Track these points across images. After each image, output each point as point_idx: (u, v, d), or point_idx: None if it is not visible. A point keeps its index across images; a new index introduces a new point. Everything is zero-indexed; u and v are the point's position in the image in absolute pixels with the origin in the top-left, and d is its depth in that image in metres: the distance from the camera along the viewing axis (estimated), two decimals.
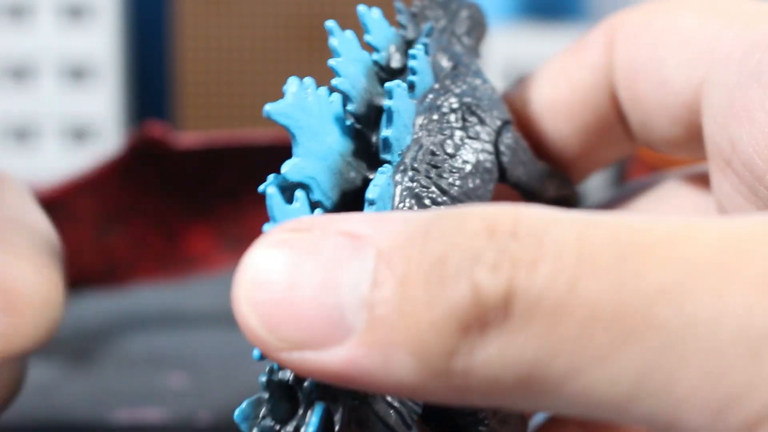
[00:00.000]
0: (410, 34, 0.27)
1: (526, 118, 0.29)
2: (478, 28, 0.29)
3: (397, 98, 0.24)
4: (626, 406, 0.18)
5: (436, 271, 0.18)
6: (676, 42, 0.27)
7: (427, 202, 0.24)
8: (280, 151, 0.56)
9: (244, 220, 0.50)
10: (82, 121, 0.77)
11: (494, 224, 0.18)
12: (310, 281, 0.19)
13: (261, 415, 0.22)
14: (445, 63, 0.27)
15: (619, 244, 0.18)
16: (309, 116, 0.23)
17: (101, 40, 0.76)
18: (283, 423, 0.22)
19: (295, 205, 0.22)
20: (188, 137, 0.56)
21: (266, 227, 0.21)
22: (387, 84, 0.23)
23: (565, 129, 0.29)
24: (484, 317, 0.18)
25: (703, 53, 0.26)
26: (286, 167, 0.22)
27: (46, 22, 0.76)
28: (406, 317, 0.18)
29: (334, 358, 0.19)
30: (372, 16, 0.26)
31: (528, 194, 0.27)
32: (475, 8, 0.29)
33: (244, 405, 0.21)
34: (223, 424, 0.36)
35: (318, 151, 0.23)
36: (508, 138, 0.26)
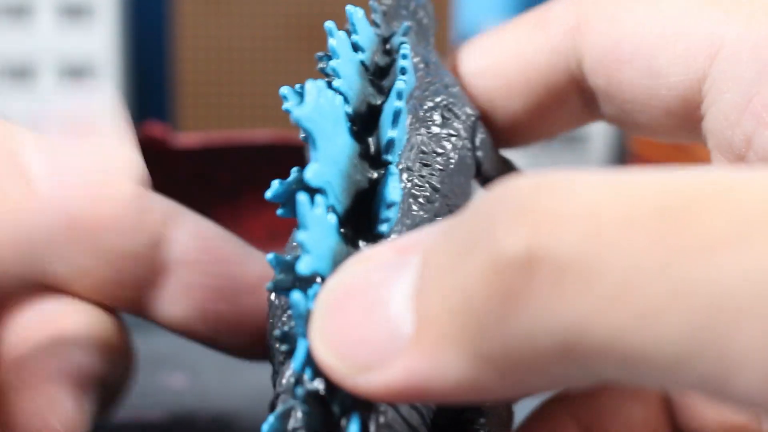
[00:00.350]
0: (384, 32, 0.27)
1: (472, 87, 0.29)
2: (432, 27, 0.30)
3: (405, 100, 0.24)
4: (676, 368, 0.16)
5: (462, 247, 0.18)
6: (668, 33, 0.26)
7: (421, 200, 0.24)
8: (279, 150, 0.56)
9: (244, 220, 0.50)
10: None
11: (526, 198, 0.17)
12: (364, 301, 0.19)
13: (292, 427, 0.21)
14: (418, 62, 0.27)
15: (660, 198, 0.17)
16: (325, 120, 0.23)
17: (101, 40, 0.76)
18: None
19: (317, 210, 0.22)
20: (188, 137, 0.56)
21: (299, 236, 0.21)
22: (398, 84, 0.23)
23: (515, 105, 0.29)
24: (509, 282, 0.17)
25: (701, 47, 0.26)
26: (310, 173, 0.22)
27: (46, 22, 0.76)
28: (444, 305, 0.18)
29: (394, 372, 0.19)
30: (359, 16, 0.26)
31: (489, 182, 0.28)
32: (429, 7, 0.30)
33: (271, 419, 0.21)
34: (222, 424, 0.36)
35: (333, 154, 0.23)
36: (481, 133, 0.27)
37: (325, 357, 0.19)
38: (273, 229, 0.49)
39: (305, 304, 0.20)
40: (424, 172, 0.24)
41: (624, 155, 0.67)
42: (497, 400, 0.19)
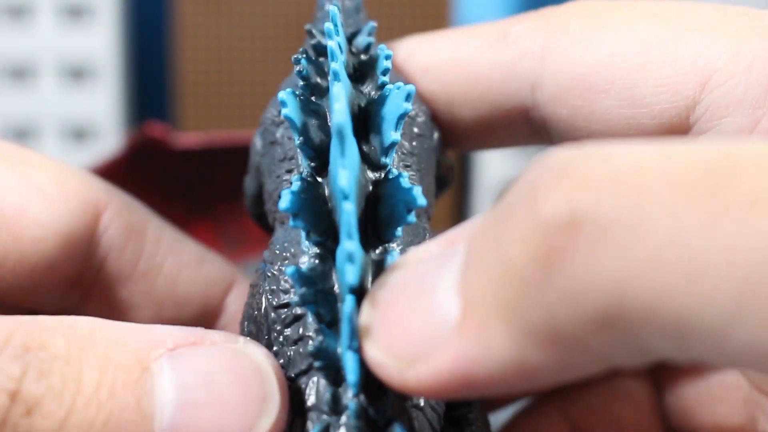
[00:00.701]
0: (348, 31, 0.27)
1: (416, 82, 0.28)
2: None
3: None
4: (725, 332, 0.15)
5: (503, 219, 0.18)
6: (649, 60, 0.25)
7: None
8: None
9: (244, 220, 0.50)
10: (82, 121, 0.77)
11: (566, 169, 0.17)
12: (412, 294, 0.19)
13: None
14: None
15: (705, 160, 0.16)
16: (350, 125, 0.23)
17: (101, 40, 0.76)
18: None
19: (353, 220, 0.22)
20: (188, 137, 0.56)
21: (347, 246, 0.21)
22: (407, 87, 0.23)
23: (456, 112, 0.28)
24: (551, 244, 0.17)
25: (689, 73, 0.25)
26: (344, 181, 0.21)
27: (46, 22, 0.76)
28: (487, 280, 0.18)
29: (442, 361, 0.18)
30: (338, 15, 0.26)
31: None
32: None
33: None
34: None
35: (353, 160, 0.23)
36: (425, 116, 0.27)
37: (375, 355, 0.19)
38: None
39: (354, 315, 0.20)
40: (401, 165, 0.25)
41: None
42: (542, 386, 0.19)
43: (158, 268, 0.30)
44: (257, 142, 0.28)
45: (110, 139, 0.77)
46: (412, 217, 0.22)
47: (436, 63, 0.28)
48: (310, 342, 0.23)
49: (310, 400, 0.22)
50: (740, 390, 0.28)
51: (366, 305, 0.20)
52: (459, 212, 0.69)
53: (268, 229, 0.28)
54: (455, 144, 0.29)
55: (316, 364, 0.21)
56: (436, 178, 0.28)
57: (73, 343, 0.22)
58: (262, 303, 0.24)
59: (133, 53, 0.82)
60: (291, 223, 0.22)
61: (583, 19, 0.26)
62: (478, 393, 0.18)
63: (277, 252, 0.25)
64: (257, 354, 0.23)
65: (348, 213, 0.20)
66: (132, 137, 0.56)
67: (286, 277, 0.24)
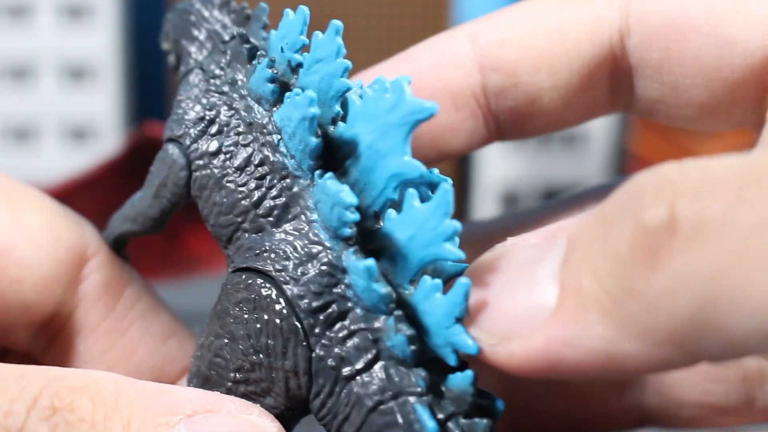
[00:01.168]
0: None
1: (493, 58, 0.27)
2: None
3: None
4: None
5: (608, 221, 0.19)
6: (735, 0, 0.25)
7: None
8: None
9: None
10: (82, 121, 0.77)
11: (664, 180, 0.19)
12: (509, 280, 0.21)
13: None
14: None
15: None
16: None
17: (101, 40, 0.76)
18: None
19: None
20: None
21: (447, 222, 0.22)
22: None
23: (541, 81, 0.27)
24: (654, 244, 0.18)
25: None
26: (423, 165, 0.23)
27: (46, 22, 0.76)
28: (589, 273, 0.19)
29: (535, 341, 0.20)
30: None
31: None
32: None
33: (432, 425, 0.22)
34: None
35: None
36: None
37: (469, 330, 0.21)
38: None
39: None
40: None
41: (624, 155, 0.67)
42: (627, 376, 0.21)
43: (122, 331, 0.30)
44: (177, 156, 0.27)
45: (110, 139, 0.77)
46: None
47: (516, 32, 0.28)
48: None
49: (372, 390, 0.22)
50: (740, 369, 0.28)
51: (468, 279, 0.21)
52: (459, 212, 0.69)
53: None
54: (521, 127, 0.29)
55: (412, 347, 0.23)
56: None
57: (99, 405, 0.22)
58: (284, 314, 0.24)
59: (133, 53, 0.82)
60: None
61: None
62: (563, 375, 0.20)
63: (275, 256, 0.24)
64: (270, 427, 0.24)
65: (448, 192, 0.22)
66: (132, 137, 0.56)
67: (315, 278, 0.23)
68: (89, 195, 0.54)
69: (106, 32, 0.76)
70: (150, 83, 0.85)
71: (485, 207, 0.69)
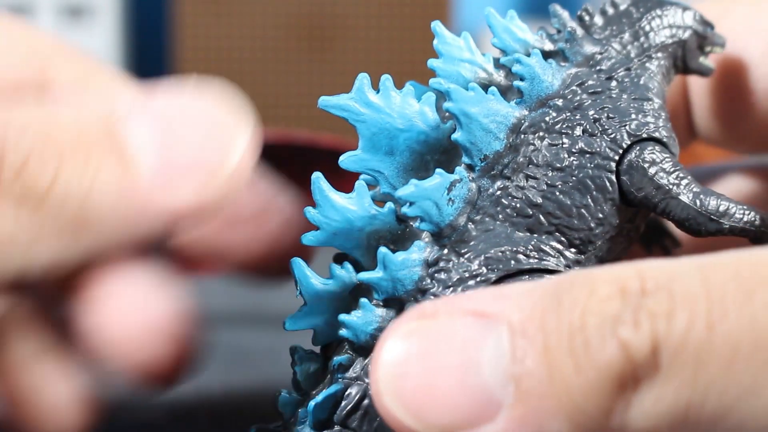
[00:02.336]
0: (561, 43, 0.25)
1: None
2: (675, 33, 0.26)
3: (462, 101, 0.23)
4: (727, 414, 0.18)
5: (578, 337, 0.19)
6: (757, 28, 0.26)
7: (509, 211, 0.24)
8: (278, 149, 0.56)
9: None
10: None
11: (624, 285, 0.19)
12: (450, 364, 0.19)
13: None
14: (598, 71, 0.25)
15: (743, 280, 0.18)
16: (375, 111, 0.24)
17: (101, 40, 0.76)
18: None
19: (352, 195, 0.23)
20: None
21: (307, 211, 0.23)
22: (447, 85, 0.23)
23: None
24: (636, 372, 0.18)
25: None
26: (343, 157, 0.23)
27: (46, 22, 0.76)
28: (556, 385, 0.19)
29: None
30: (499, 19, 0.25)
31: (681, 226, 0.25)
32: (676, 11, 0.26)
33: None
34: (223, 424, 0.36)
35: (385, 145, 0.24)
36: (638, 157, 0.25)
37: (397, 413, 0.20)
38: None
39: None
40: (526, 183, 0.24)
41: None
42: None
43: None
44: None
45: None
46: (408, 210, 0.23)
47: None
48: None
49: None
50: None
51: (392, 346, 0.20)
52: None
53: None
54: None
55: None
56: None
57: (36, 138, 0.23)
58: None
59: (133, 53, 0.82)
60: None
61: (715, 6, 0.27)
62: None
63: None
64: (217, 93, 0.24)
65: (315, 180, 0.23)
66: None
67: None
68: None
69: (106, 32, 0.76)
70: (150, 83, 0.85)
71: None
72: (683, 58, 0.26)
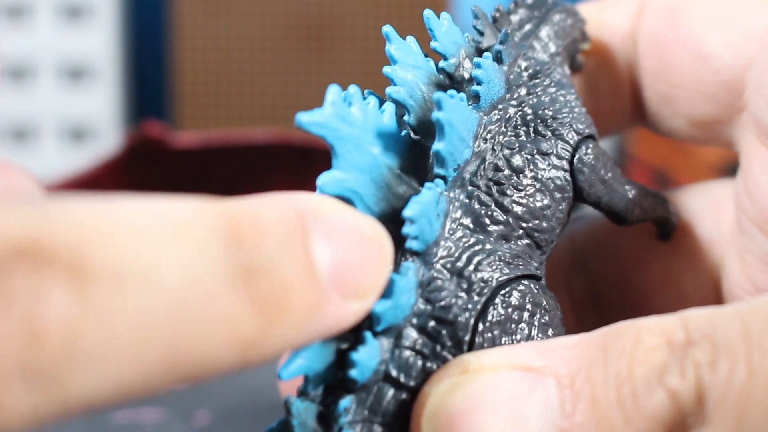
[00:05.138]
0: (487, 41, 0.25)
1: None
2: (570, 33, 0.27)
3: (449, 109, 0.22)
4: None
5: (626, 387, 0.19)
6: (720, 19, 0.26)
7: (485, 221, 0.23)
8: (278, 150, 0.56)
9: None
10: (81, 121, 0.77)
11: (670, 336, 0.19)
12: (497, 420, 0.20)
13: None
14: (524, 72, 0.25)
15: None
16: (351, 127, 0.22)
17: (100, 40, 0.76)
18: None
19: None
20: (186, 136, 0.56)
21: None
22: (436, 94, 0.22)
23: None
24: (684, 420, 0.19)
25: (754, 35, 0.26)
26: (322, 179, 0.21)
27: (45, 22, 0.76)
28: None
29: None
30: (439, 21, 0.25)
31: (612, 215, 0.26)
32: (568, 12, 0.27)
33: None
34: (222, 424, 0.36)
35: (361, 163, 0.22)
36: (587, 155, 0.25)
37: None
38: None
39: None
40: (494, 189, 0.23)
41: (624, 157, 0.67)
42: None
43: None
44: None
45: (109, 138, 0.77)
46: (409, 229, 0.22)
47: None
48: None
49: None
50: None
51: (436, 402, 0.20)
52: None
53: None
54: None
55: None
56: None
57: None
58: None
59: (131, 53, 0.82)
60: None
61: None
62: None
63: None
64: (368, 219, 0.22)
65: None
66: (130, 137, 0.56)
67: None
68: (88, 194, 0.54)
69: (105, 32, 0.76)
70: (148, 83, 0.85)
71: None
72: (573, 55, 0.27)
